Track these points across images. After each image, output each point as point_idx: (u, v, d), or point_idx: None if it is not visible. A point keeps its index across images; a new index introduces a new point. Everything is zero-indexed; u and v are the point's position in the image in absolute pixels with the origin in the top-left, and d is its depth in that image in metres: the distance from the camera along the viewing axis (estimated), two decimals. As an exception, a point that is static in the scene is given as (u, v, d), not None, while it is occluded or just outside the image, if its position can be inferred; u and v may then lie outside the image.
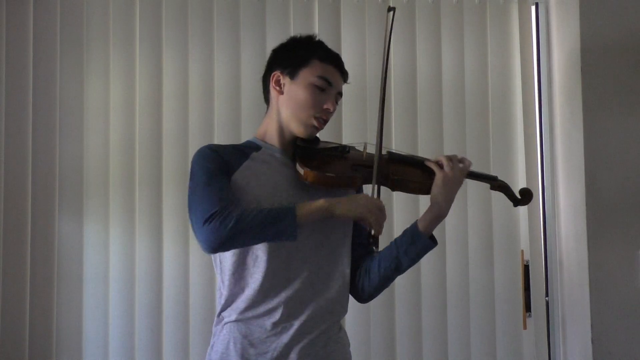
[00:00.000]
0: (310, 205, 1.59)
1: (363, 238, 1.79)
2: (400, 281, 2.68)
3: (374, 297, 1.81)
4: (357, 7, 2.79)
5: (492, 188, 1.88)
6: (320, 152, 1.76)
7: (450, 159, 1.72)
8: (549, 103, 2.82)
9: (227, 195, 1.61)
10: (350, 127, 2.75)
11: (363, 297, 1.82)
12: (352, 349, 2.67)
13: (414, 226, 1.72)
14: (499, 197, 2.78)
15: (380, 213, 1.61)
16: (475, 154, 2.78)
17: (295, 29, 2.71)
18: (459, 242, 2.77)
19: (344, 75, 1.79)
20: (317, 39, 1.81)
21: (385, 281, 1.77)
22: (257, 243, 1.62)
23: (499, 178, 1.88)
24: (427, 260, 2.72)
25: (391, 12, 1.74)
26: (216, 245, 1.56)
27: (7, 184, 2.59)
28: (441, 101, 2.80)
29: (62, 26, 2.67)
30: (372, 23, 2.79)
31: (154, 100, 2.69)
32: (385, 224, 2.65)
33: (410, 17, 2.81)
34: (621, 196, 2.49)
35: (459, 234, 2.77)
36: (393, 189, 1.75)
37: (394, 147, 2.75)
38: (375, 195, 1.66)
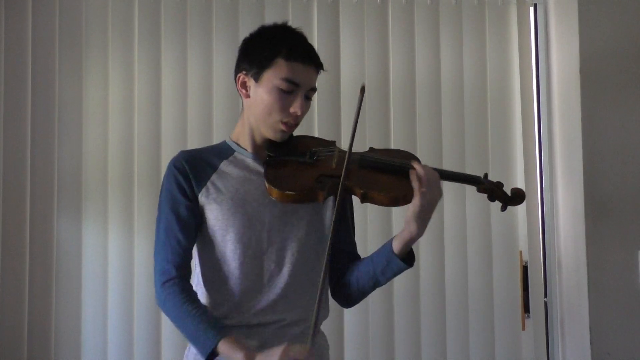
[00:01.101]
0: (230, 351, 1.52)
1: (344, 245, 1.76)
2: (398, 282, 2.67)
3: (355, 304, 1.78)
4: (356, 7, 2.79)
5: (479, 190, 1.71)
6: (288, 160, 1.69)
7: (429, 179, 1.56)
8: (548, 104, 2.82)
9: (185, 249, 1.63)
10: (348, 128, 2.75)
11: (344, 305, 1.80)
12: (351, 350, 2.71)
13: (389, 247, 1.64)
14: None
15: None
16: (473, 155, 2.78)
17: (294, 30, 2.71)
18: (458, 243, 2.77)
19: (317, 67, 1.65)
20: (286, 28, 1.68)
21: (364, 294, 1.74)
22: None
23: (485, 179, 1.71)
24: (426, 262, 2.73)
25: (362, 93, 1.61)
26: (158, 304, 1.62)
27: (6, 185, 2.58)
28: (440, 102, 2.80)
29: (61, 27, 2.66)
30: (371, 24, 2.79)
31: (153, 101, 2.69)
32: (384, 226, 2.71)
33: (408, 18, 2.81)
34: (620, 197, 2.50)
35: (458, 235, 2.77)
36: (362, 202, 1.62)
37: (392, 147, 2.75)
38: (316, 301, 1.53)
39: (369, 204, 1.63)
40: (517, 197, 1.72)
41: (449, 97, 2.81)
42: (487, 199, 1.72)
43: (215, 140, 2.67)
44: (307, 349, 1.49)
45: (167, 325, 2.63)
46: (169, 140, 2.69)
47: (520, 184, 2.78)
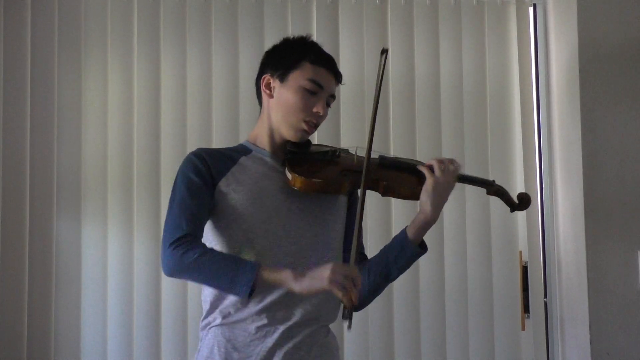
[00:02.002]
0: (274, 273, 1.54)
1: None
2: (398, 282, 2.66)
3: (363, 307, 1.79)
4: (355, 8, 2.79)
5: (489, 193, 1.83)
6: (310, 156, 1.74)
7: (441, 161, 1.68)
8: (547, 104, 2.82)
9: (199, 221, 1.62)
10: (348, 129, 2.75)
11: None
12: (351, 350, 2.71)
13: (403, 234, 1.70)
14: (497, 198, 2.79)
15: (348, 284, 1.47)
16: (473, 155, 2.78)
17: (293, 31, 2.71)
18: (458, 243, 2.76)
19: (337, 77, 1.76)
20: (310, 39, 1.77)
21: (375, 291, 1.75)
22: (209, 285, 1.62)
23: (496, 183, 1.83)
24: (426, 262, 2.72)
25: (384, 55, 1.71)
26: (172, 272, 1.58)
27: (5, 185, 2.58)
28: (439, 102, 2.80)
29: (60, 27, 2.67)
30: (370, 24, 2.79)
31: (152, 102, 2.69)
32: (384, 225, 2.71)
33: (408, 18, 2.81)
34: (619, 197, 2.49)
35: (458, 235, 2.77)
36: (383, 195, 1.71)
37: (391, 149, 2.75)
38: (354, 254, 1.57)
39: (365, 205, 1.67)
40: (522, 202, 1.83)
41: (448, 97, 2.81)
42: (491, 198, 1.82)
43: (215, 140, 2.68)
44: (355, 270, 1.51)
45: (167, 325, 2.63)
46: (169, 140, 2.69)
47: (520, 183, 2.78)
